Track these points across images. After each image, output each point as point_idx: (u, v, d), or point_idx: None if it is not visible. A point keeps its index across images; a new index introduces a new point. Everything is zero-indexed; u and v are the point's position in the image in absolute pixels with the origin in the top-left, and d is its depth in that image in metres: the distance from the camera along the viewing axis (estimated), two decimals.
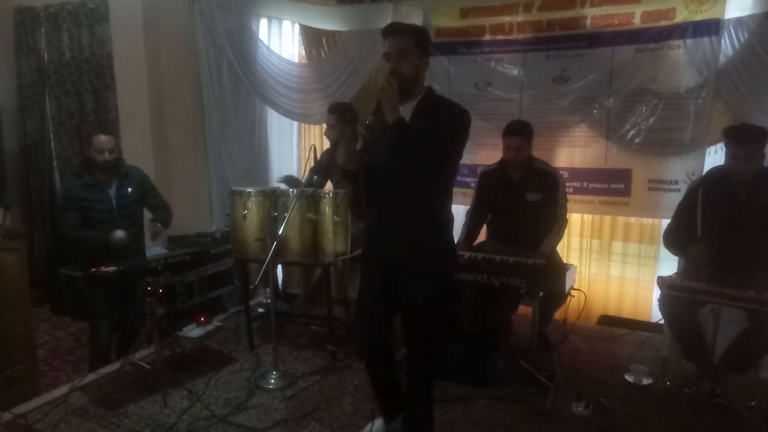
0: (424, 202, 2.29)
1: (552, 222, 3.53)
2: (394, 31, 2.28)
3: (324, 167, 3.83)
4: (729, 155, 2.97)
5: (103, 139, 3.39)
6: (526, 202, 3.53)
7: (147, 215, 3.72)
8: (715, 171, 3.15)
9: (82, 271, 3.61)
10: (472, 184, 4.19)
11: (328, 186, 4.04)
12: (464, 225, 3.83)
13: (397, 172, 2.24)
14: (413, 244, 2.29)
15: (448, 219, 2.39)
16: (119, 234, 3.35)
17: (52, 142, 5.09)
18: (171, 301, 4.05)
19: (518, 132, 3.50)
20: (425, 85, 2.35)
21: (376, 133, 2.21)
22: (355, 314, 2.55)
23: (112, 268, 3.00)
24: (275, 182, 4.38)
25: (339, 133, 3.69)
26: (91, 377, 3.31)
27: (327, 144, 4.05)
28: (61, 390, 3.17)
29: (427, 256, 2.31)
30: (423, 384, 2.46)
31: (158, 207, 3.70)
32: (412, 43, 2.25)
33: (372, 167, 2.28)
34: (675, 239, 3.20)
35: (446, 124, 2.22)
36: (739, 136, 2.94)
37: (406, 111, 2.23)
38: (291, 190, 3.45)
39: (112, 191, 3.48)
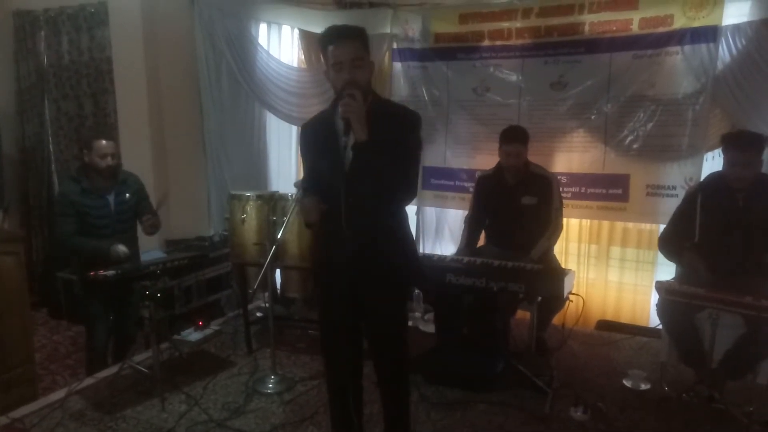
0: (391, 212, 2.25)
1: (546, 226, 3.55)
2: (346, 36, 2.08)
3: None
4: (727, 161, 2.98)
5: (104, 144, 3.38)
6: (522, 206, 3.55)
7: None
8: (714, 177, 3.16)
9: (79, 274, 3.60)
10: (471, 189, 4.20)
11: None
12: (464, 230, 3.84)
13: (368, 187, 2.12)
14: (385, 252, 2.21)
15: (407, 222, 2.36)
16: (121, 248, 3.31)
17: (51, 146, 5.09)
18: (169, 304, 4.04)
19: (518, 139, 3.52)
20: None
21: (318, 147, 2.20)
22: (323, 333, 2.43)
23: (110, 272, 3.00)
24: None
25: None
26: (88, 381, 3.31)
27: None
28: (59, 394, 3.16)
29: (398, 262, 2.26)
30: (402, 390, 2.42)
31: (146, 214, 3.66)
32: (363, 49, 2.11)
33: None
34: (671, 244, 3.21)
35: (410, 133, 2.17)
36: (737, 143, 2.95)
37: None
38: (290, 195, 3.44)
39: (111, 197, 3.47)
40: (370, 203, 2.16)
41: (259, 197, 3.50)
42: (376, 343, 2.36)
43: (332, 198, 2.15)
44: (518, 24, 4.35)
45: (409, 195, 2.24)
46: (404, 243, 2.31)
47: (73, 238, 3.39)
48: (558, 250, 3.93)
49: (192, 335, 3.90)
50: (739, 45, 3.77)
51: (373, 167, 2.06)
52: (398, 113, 2.22)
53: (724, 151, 3.02)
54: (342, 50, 2.06)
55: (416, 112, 2.25)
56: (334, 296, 2.30)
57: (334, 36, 2.10)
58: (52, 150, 5.10)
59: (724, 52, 3.81)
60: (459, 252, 3.70)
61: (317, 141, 2.26)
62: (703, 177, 3.56)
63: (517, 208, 3.55)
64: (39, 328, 4.80)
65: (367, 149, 2.04)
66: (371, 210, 2.17)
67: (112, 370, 3.38)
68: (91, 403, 3.06)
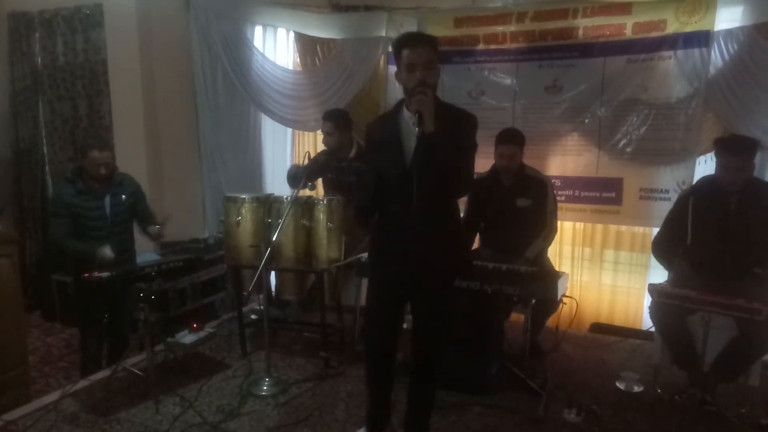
0: (449, 207, 2.43)
1: (541, 228, 3.56)
2: (420, 41, 2.28)
3: (318, 168, 3.79)
4: (719, 165, 3.00)
5: (98, 155, 3.36)
6: (516, 208, 3.56)
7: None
8: (706, 180, 3.18)
9: (73, 276, 3.59)
10: None
11: (321, 193, 4.05)
12: None
13: (432, 182, 2.26)
14: (443, 250, 2.37)
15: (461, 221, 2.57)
16: (107, 252, 3.31)
17: (45, 148, 5.09)
18: (163, 307, 4.03)
19: (513, 140, 3.54)
20: None
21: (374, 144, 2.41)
22: (367, 321, 2.59)
23: (104, 274, 3.00)
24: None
25: (338, 138, 3.73)
26: (82, 383, 3.29)
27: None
28: (53, 396, 3.15)
29: (454, 260, 2.45)
30: (433, 388, 2.58)
31: (146, 218, 3.66)
32: (435, 54, 2.27)
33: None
34: (664, 248, 3.23)
35: (471, 132, 2.35)
36: (729, 147, 2.97)
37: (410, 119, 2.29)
38: (285, 197, 3.44)
39: (106, 200, 3.46)
40: (436, 193, 2.30)
41: (254, 199, 3.50)
42: (424, 338, 2.47)
43: (395, 190, 2.35)
44: (513, 28, 4.36)
45: (469, 186, 2.47)
46: (462, 233, 2.55)
47: (64, 239, 3.38)
48: (552, 252, 3.94)
49: (186, 338, 3.89)
50: (732, 50, 3.80)
51: (439, 158, 2.21)
52: (462, 114, 2.39)
53: (716, 155, 3.04)
54: (416, 53, 2.23)
55: (473, 114, 2.40)
56: (389, 282, 2.44)
57: (409, 40, 2.28)
58: (46, 152, 5.09)
59: (717, 56, 3.84)
60: None
61: (382, 137, 2.42)
62: (695, 181, 3.59)
63: (511, 211, 3.57)
64: (33, 331, 4.78)
65: (435, 140, 2.19)
66: (436, 199, 2.32)
67: (106, 372, 3.37)
68: (85, 406, 3.05)
